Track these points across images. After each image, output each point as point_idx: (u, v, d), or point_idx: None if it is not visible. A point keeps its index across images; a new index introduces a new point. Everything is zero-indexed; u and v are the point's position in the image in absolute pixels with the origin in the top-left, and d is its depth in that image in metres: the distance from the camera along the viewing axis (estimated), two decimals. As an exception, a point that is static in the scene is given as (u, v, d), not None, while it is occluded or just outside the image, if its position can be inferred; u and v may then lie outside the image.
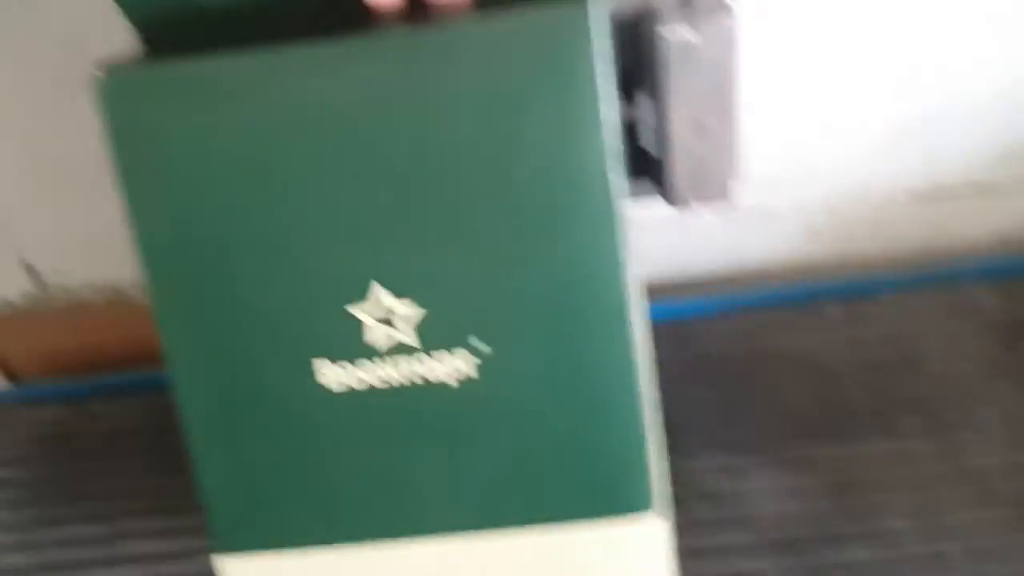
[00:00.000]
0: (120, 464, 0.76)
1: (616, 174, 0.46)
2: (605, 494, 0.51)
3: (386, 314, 0.48)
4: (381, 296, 0.48)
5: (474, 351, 0.49)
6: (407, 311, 0.48)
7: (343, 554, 0.54)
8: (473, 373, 0.49)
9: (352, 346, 0.49)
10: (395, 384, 0.50)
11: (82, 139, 0.72)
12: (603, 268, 0.47)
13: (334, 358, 0.49)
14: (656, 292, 0.79)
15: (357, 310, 0.48)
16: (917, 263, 0.79)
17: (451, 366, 0.49)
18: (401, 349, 0.49)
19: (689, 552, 0.61)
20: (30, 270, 0.82)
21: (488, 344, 0.48)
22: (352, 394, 0.50)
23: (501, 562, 0.54)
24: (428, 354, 0.49)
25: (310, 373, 0.50)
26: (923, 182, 0.75)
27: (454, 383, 0.49)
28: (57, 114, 0.71)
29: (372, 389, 0.50)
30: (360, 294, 0.48)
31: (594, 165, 0.45)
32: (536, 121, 0.44)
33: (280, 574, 0.55)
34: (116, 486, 0.74)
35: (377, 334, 0.49)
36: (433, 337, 0.49)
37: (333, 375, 0.49)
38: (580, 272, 0.47)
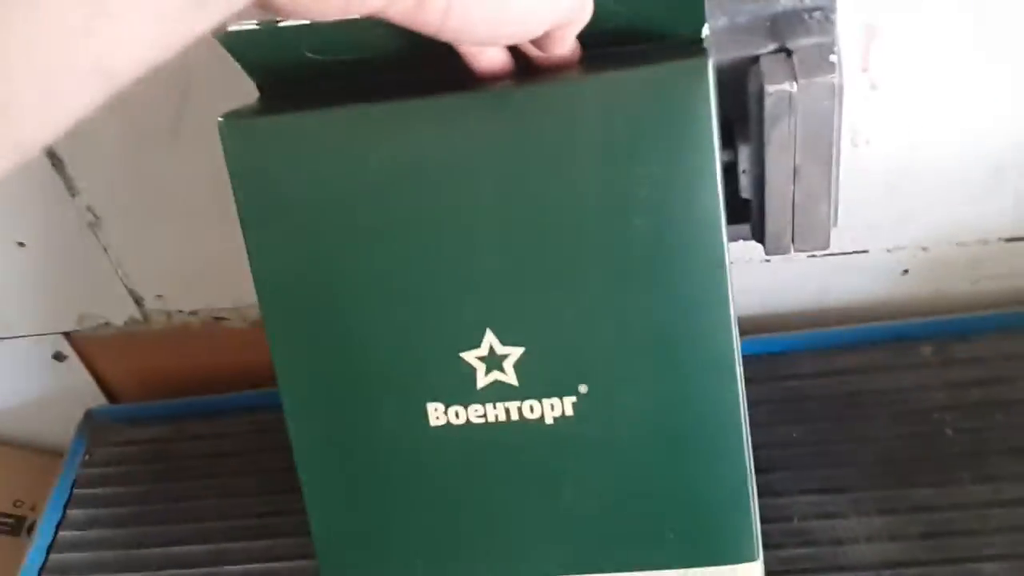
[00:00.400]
0: (222, 483, 0.78)
1: (724, 225, 0.47)
2: (710, 542, 0.52)
3: (496, 360, 0.49)
4: (493, 343, 0.49)
5: (577, 394, 0.50)
6: (516, 357, 0.49)
7: None
8: (570, 412, 0.50)
9: (463, 390, 0.50)
10: (492, 420, 0.51)
11: (184, 177, 0.75)
12: (712, 317, 0.48)
13: (445, 401, 0.50)
14: (747, 330, 0.80)
15: (469, 356, 0.49)
16: (1011, 305, 0.78)
17: (549, 406, 0.50)
18: (508, 394, 0.50)
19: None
20: (133, 295, 0.85)
21: (589, 386, 0.49)
22: (453, 430, 0.51)
23: None
24: (534, 399, 0.50)
25: (421, 415, 0.51)
26: (1016, 223, 0.75)
27: (551, 421, 0.50)
28: (163, 155, 0.73)
29: (470, 424, 0.51)
30: (473, 341, 0.49)
31: (708, 217, 0.46)
32: (652, 174, 0.45)
33: None
34: (218, 505, 0.76)
35: (487, 380, 0.50)
36: (539, 381, 0.50)
37: (443, 417, 0.51)
38: (689, 320, 0.48)
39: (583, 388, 0.49)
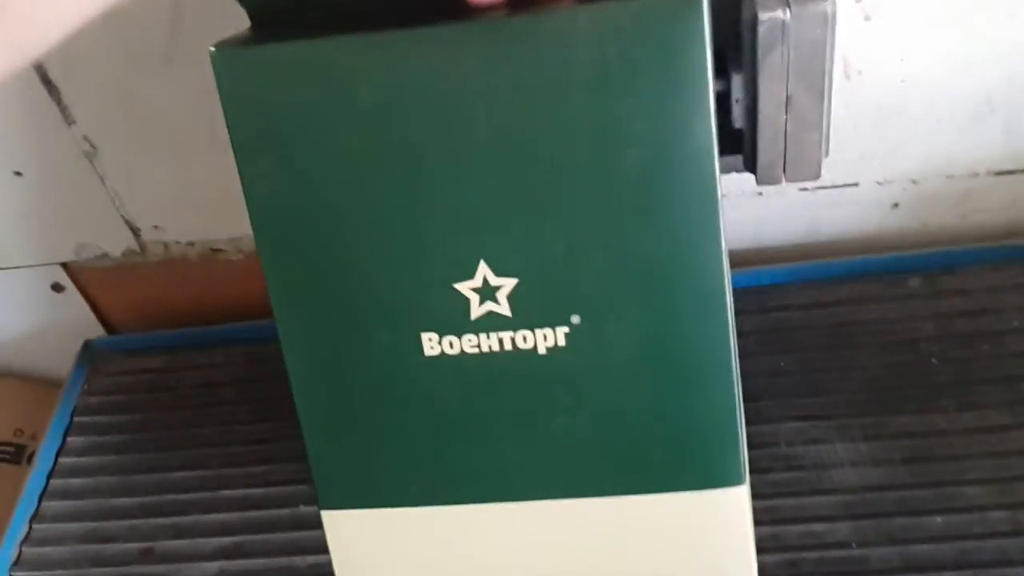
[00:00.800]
0: (219, 411, 0.79)
1: (717, 157, 0.47)
2: (698, 468, 0.53)
3: (490, 291, 0.50)
4: (486, 274, 0.49)
5: (569, 325, 0.50)
6: (510, 288, 0.50)
7: (436, 513, 0.57)
8: (562, 342, 0.51)
9: (457, 321, 0.51)
10: (486, 351, 0.51)
11: (181, 106, 0.75)
12: (703, 248, 0.48)
13: (439, 331, 0.51)
14: (737, 263, 0.80)
15: (463, 287, 0.50)
16: (999, 238, 0.79)
17: (542, 336, 0.50)
18: (501, 324, 0.50)
19: (770, 516, 0.63)
20: (130, 226, 0.85)
21: (582, 317, 0.50)
22: (447, 360, 0.52)
23: (586, 524, 0.55)
24: (527, 329, 0.50)
25: (415, 345, 0.52)
26: (1005, 157, 0.76)
27: (544, 351, 0.51)
28: (159, 83, 0.74)
29: (464, 354, 0.51)
30: (467, 272, 0.49)
31: (701, 149, 0.46)
32: (645, 105, 0.45)
33: (377, 527, 0.58)
34: (215, 433, 0.77)
35: (481, 311, 0.50)
36: (532, 312, 0.50)
37: (436, 347, 0.52)
38: (681, 251, 0.48)
39: (575, 319, 0.50)
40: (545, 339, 0.51)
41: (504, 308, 0.50)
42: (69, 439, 0.79)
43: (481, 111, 0.47)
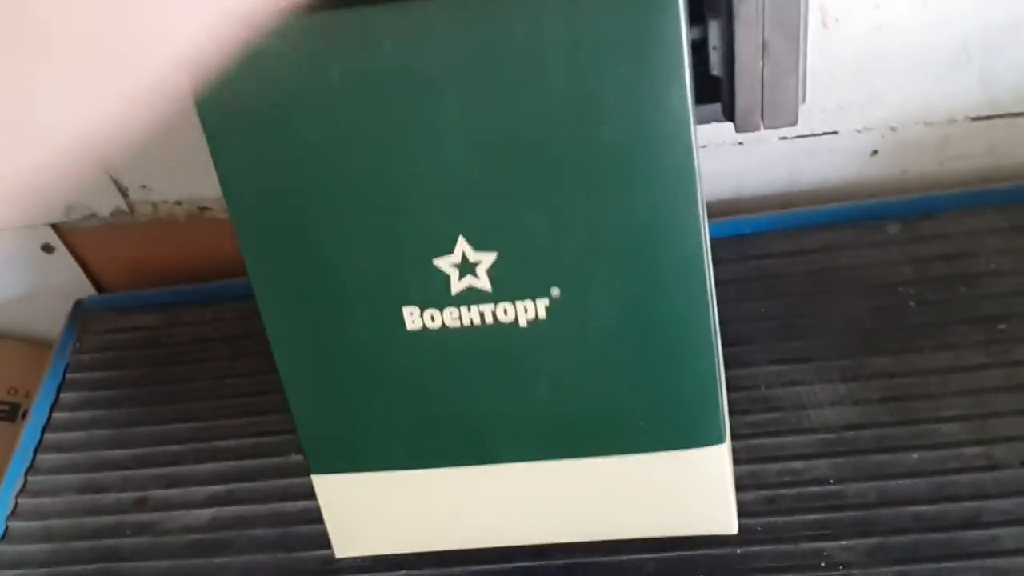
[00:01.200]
0: (210, 367, 0.80)
1: (693, 119, 0.47)
2: (679, 429, 0.54)
3: (469, 266, 0.50)
4: (465, 249, 0.50)
5: (550, 297, 0.51)
6: (490, 263, 0.50)
7: (422, 475, 0.58)
8: (543, 315, 0.51)
9: (438, 296, 0.51)
10: (467, 324, 0.52)
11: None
12: (681, 219, 0.49)
13: (420, 305, 0.52)
14: (719, 213, 0.82)
15: (443, 262, 0.50)
16: (978, 184, 0.80)
17: (522, 309, 0.51)
18: (482, 298, 0.51)
19: (749, 455, 0.64)
20: (118, 186, 0.86)
21: (562, 289, 0.50)
22: (429, 334, 0.52)
23: (568, 483, 0.57)
24: (508, 302, 0.51)
25: (396, 318, 0.52)
26: (982, 103, 0.77)
27: (525, 324, 0.52)
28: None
29: (446, 328, 0.52)
30: (446, 248, 0.50)
31: (677, 120, 0.46)
32: (620, 77, 0.45)
33: (366, 490, 0.59)
34: (207, 387, 0.78)
35: (461, 285, 0.51)
36: (512, 285, 0.51)
37: (418, 321, 0.52)
38: (659, 223, 0.49)
39: (556, 291, 0.51)
40: (526, 312, 0.51)
41: (484, 282, 0.51)
42: (62, 395, 0.80)
43: (455, 86, 0.46)
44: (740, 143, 0.78)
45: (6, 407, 0.98)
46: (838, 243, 0.77)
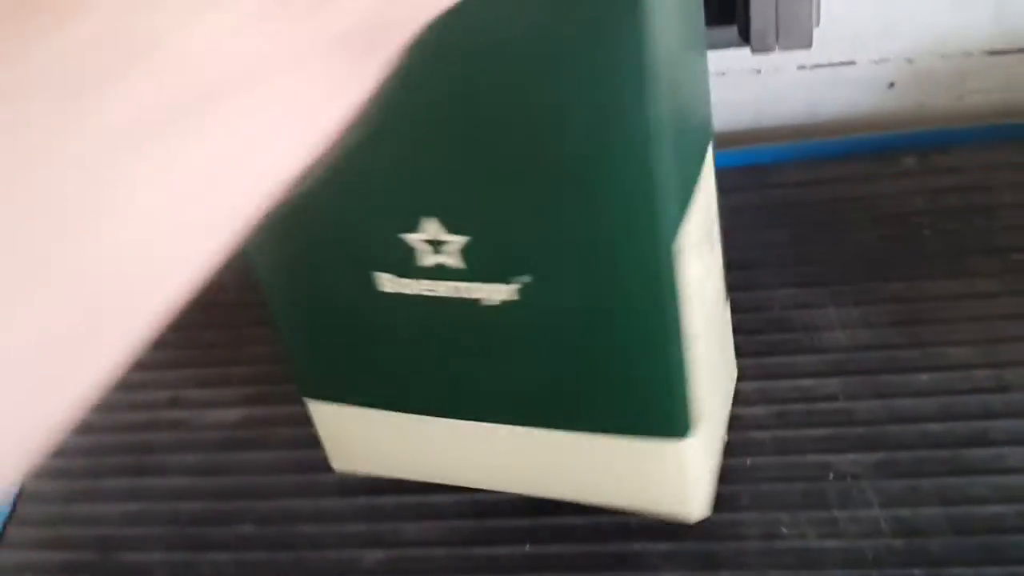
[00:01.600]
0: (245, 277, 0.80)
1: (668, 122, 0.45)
2: (640, 417, 0.54)
3: (440, 245, 0.51)
4: (432, 228, 0.50)
5: (520, 282, 0.51)
6: (461, 245, 0.51)
7: (403, 418, 0.61)
8: (514, 296, 0.52)
9: (410, 268, 0.52)
10: (439, 295, 0.53)
11: None
12: (639, 222, 0.47)
13: (394, 273, 0.53)
14: (735, 141, 0.82)
15: (414, 239, 0.51)
16: (996, 119, 0.81)
17: (494, 289, 0.52)
18: (454, 275, 0.52)
19: (759, 372, 0.66)
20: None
21: (531, 276, 0.51)
22: (404, 298, 0.54)
23: (538, 449, 0.58)
24: (479, 282, 0.52)
25: (368, 280, 0.54)
26: (995, 36, 0.77)
27: (496, 302, 0.52)
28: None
29: (419, 296, 0.53)
30: (413, 225, 0.50)
31: (634, 123, 0.44)
32: (578, 73, 0.44)
33: (353, 421, 0.62)
34: (240, 297, 0.79)
35: (432, 260, 0.52)
36: (482, 267, 0.51)
37: (392, 285, 0.53)
38: (619, 230, 0.48)
39: (525, 278, 0.51)
40: (497, 292, 0.52)
41: (456, 261, 0.51)
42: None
43: (424, 75, 0.43)
44: (758, 71, 0.79)
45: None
46: (854, 174, 0.77)
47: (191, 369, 0.75)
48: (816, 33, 0.60)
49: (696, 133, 0.52)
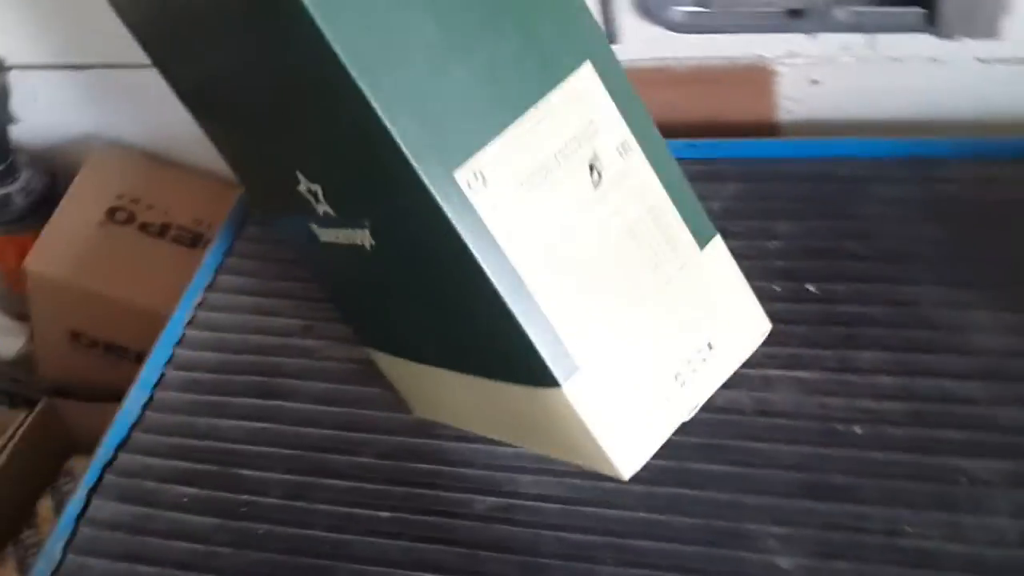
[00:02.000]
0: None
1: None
2: (507, 364, 0.53)
3: (315, 194, 0.55)
4: (304, 179, 0.55)
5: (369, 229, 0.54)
6: (318, 190, 0.55)
7: (397, 360, 0.66)
8: (374, 240, 0.54)
9: (315, 216, 0.57)
10: (341, 241, 0.57)
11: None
12: (383, 147, 0.47)
13: (316, 224, 0.58)
14: (904, 131, 0.80)
15: (300, 189, 0.56)
16: None
17: (360, 235, 0.54)
18: (336, 222, 0.56)
19: (900, 368, 0.64)
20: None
21: (366, 217, 0.53)
22: (327, 245, 0.59)
23: (472, 391, 0.59)
24: (350, 229, 0.55)
25: (305, 228, 0.60)
26: None
27: (367, 246, 0.55)
28: None
29: (340, 245, 0.57)
30: (296, 177, 0.55)
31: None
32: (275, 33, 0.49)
33: (387, 366, 0.68)
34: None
35: (320, 208, 0.56)
36: (344, 214, 0.55)
37: (324, 235, 0.59)
38: (379, 154, 0.47)
39: (365, 220, 0.53)
40: (363, 237, 0.54)
41: (329, 208, 0.55)
42: (245, 228, 0.85)
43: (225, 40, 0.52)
44: (934, 59, 0.76)
45: (189, 235, 1.04)
46: (1018, 176, 0.74)
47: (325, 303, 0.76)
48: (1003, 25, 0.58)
49: (517, 50, 0.48)
